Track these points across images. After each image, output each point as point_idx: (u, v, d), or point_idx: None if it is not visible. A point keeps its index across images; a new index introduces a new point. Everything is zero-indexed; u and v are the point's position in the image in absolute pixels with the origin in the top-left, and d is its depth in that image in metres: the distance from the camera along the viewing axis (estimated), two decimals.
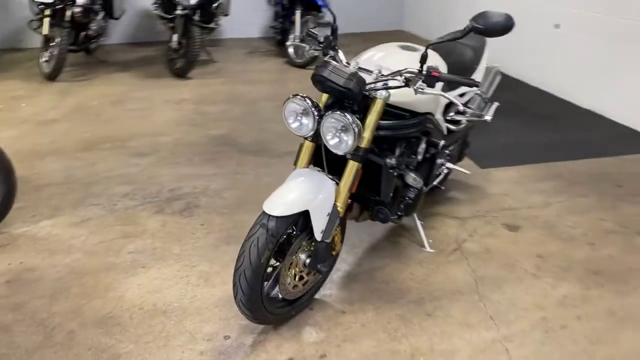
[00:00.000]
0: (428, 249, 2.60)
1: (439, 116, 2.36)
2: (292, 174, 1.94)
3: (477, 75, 2.74)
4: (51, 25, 5.64)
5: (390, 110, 2.01)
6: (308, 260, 1.96)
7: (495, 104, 2.79)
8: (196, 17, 5.81)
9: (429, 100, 2.10)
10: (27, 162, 3.63)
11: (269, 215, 1.78)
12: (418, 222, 2.65)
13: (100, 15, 6.40)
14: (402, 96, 1.96)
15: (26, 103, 5.00)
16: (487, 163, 3.58)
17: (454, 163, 2.86)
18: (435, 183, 2.73)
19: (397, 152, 2.10)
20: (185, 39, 5.78)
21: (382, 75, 1.88)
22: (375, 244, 2.65)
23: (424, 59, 1.86)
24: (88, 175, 3.46)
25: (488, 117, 2.77)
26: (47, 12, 5.62)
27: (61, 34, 5.60)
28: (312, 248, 1.95)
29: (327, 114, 1.79)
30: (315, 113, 1.80)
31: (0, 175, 2.66)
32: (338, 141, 1.81)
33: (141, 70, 6.22)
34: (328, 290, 2.29)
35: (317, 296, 2.23)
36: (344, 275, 2.40)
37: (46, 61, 5.72)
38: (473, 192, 3.20)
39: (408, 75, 1.87)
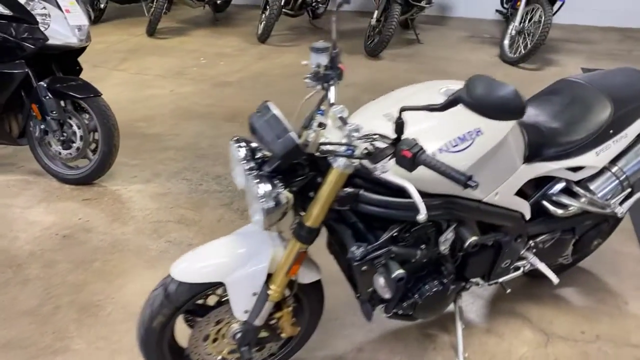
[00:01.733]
0: None
1: (498, 198, 1.59)
2: (240, 229, 1.56)
3: (614, 147, 1.77)
4: None
5: None
6: (238, 335, 1.58)
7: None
8: None
9: (441, 180, 1.41)
10: (174, 122, 3.92)
11: (172, 277, 1.46)
12: (458, 324, 1.93)
13: None
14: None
15: (225, 62, 5.42)
16: None
17: (554, 261, 1.99)
18: (500, 280, 1.93)
19: (384, 237, 1.48)
20: (384, 16, 5.42)
21: (351, 136, 1.29)
22: (391, 330, 2.04)
23: (399, 127, 1.22)
24: (209, 146, 3.55)
25: (620, 211, 1.81)
26: None
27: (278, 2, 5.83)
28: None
29: (252, 172, 1.32)
30: (246, 167, 1.35)
31: (103, 134, 2.88)
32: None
33: (342, 43, 6.10)
34: None
35: None
36: None
37: (261, 23, 6.07)
38: (595, 297, 2.21)
39: (374, 145, 1.27)
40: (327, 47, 1.44)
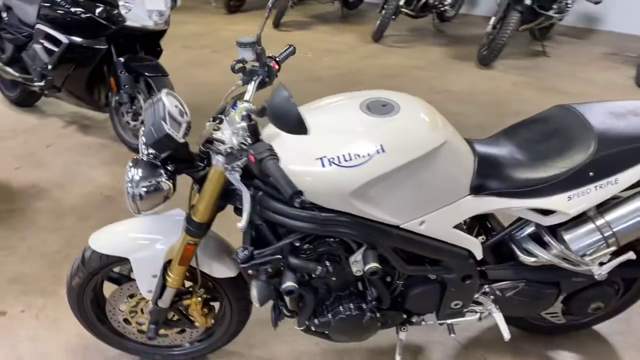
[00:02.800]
0: None
1: (425, 227, 1.40)
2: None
3: (595, 194, 1.43)
4: None
5: None
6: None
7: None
8: (527, 1, 4.90)
9: (331, 194, 1.28)
10: None
11: (89, 245, 1.57)
12: (397, 358, 1.75)
13: None
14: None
15: (329, 58, 5.50)
16: None
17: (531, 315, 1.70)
18: (451, 322, 1.69)
19: (276, 245, 1.39)
20: (500, 23, 5.03)
21: (239, 135, 1.25)
22: (338, 348, 1.91)
23: (251, 129, 1.15)
24: None
25: (597, 272, 1.49)
26: None
27: None
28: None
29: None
30: (145, 152, 1.37)
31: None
32: None
33: (458, 47, 5.80)
34: None
35: None
36: None
37: (377, 22, 6.03)
38: None
39: (229, 145, 1.21)
40: (251, 42, 1.40)
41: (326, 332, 1.60)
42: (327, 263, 1.43)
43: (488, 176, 1.43)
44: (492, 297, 1.63)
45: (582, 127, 1.45)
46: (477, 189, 1.42)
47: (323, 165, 1.26)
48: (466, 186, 1.41)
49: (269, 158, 1.12)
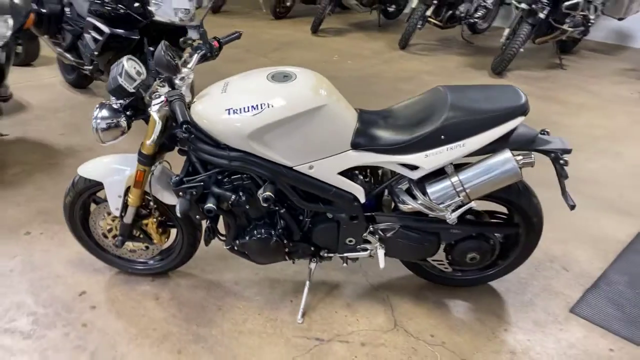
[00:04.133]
0: (299, 317, 2.15)
1: (314, 171, 1.85)
2: None
3: (448, 154, 1.83)
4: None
5: None
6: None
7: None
8: (540, 15, 5.14)
9: (234, 136, 1.77)
10: None
11: (77, 171, 2.12)
12: (307, 283, 2.19)
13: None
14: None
15: (353, 61, 5.96)
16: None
17: (415, 258, 2.13)
18: (349, 256, 2.11)
19: (200, 176, 1.88)
20: (512, 34, 5.30)
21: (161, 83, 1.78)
22: (266, 277, 2.35)
23: (168, 82, 1.67)
24: None
25: (449, 217, 1.87)
26: None
27: (419, 7, 6.13)
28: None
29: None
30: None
31: None
32: None
33: (475, 58, 6.09)
34: None
35: None
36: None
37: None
38: (477, 316, 2.17)
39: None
40: (196, 25, 1.92)
41: (245, 252, 2.07)
42: (241, 194, 1.91)
43: (366, 136, 1.85)
44: (377, 236, 2.03)
45: (442, 102, 1.84)
46: (356, 145, 1.85)
47: (229, 114, 1.75)
48: (347, 142, 1.84)
49: (176, 99, 1.62)
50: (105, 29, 3.78)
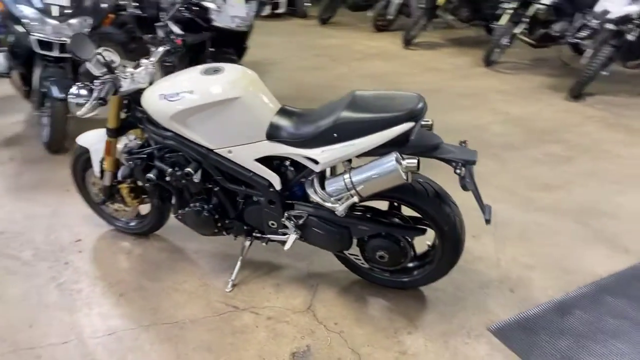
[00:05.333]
0: (229, 286, 2.41)
1: (232, 155, 2.12)
2: None
3: (340, 151, 1.97)
4: (511, 17, 6.07)
5: None
6: None
7: None
8: (629, 36, 4.75)
9: (165, 117, 2.11)
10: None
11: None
12: (240, 258, 2.44)
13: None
14: None
15: (428, 75, 6.00)
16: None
17: (327, 248, 2.29)
18: (271, 238, 2.31)
19: (144, 150, 2.26)
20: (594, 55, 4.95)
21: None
22: (220, 252, 2.62)
23: (107, 66, 2.07)
24: None
25: (337, 209, 2.01)
26: (512, 4, 6.06)
27: (507, 24, 5.97)
28: None
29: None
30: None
31: None
32: None
33: (558, 79, 5.74)
34: None
35: None
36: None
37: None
38: (390, 315, 2.22)
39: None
40: (162, 25, 2.31)
41: (186, 221, 2.40)
42: (176, 169, 2.24)
43: (279, 129, 2.07)
44: (292, 222, 2.22)
45: (343, 103, 1.99)
46: (270, 137, 2.08)
47: (160, 99, 2.10)
48: (262, 133, 2.08)
49: (106, 81, 2.02)
50: (178, 31, 4.40)
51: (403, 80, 5.70)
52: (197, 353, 2.07)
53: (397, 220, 2.20)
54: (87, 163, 2.69)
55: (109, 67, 2.15)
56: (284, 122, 2.08)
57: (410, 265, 2.34)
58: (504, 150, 3.92)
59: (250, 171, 2.15)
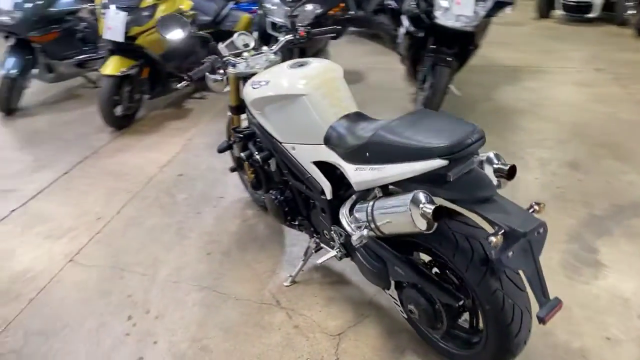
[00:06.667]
0: (288, 282, 2.38)
1: (295, 153, 2.05)
2: None
3: (370, 174, 1.70)
4: None
5: None
6: None
7: None
8: None
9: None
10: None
11: None
12: (302, 258, 2.34)
13: None
14: None
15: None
16: None
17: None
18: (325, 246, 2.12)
19: (244, 131, 2.38)
20: None
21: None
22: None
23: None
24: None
25: (353, 236, 1.75)
26: None
27: None
28: None
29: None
30: None
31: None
32: None
33: None
34: None
35: None
36: None
37: None
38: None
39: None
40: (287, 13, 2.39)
41: (265, 204, 2.46)
42: (257, 153, 2.30)
43: (335, 136, 1.91)
44: (337, 237, 2.04)
45: (396, 119, 1.70)
46: (327, 141, 1.95)
47: (249, 85, 2.19)
48: (321, 136, 1.96)
49: (227, 66, 2.20)
50: (406, 24, 4.37)
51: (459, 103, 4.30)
52: (215, 328, 2.16)
53: (433, 275, 1.78)
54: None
55: (236, 50, 2.32)
56: (341, 128, 1.91)
57: (464, 335, 1.88)
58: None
59: (308, 173, 2.06)
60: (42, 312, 2.28)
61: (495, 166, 1.61)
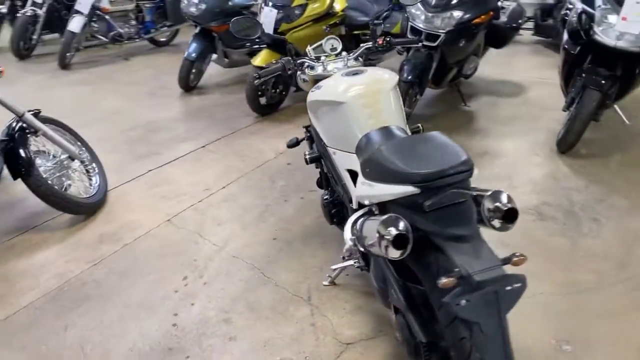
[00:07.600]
0: (326, 281, 2.42)
1: (336, 157, 2.07)
2: None
3: (367, 189, 1.57)
4: None
5: None
6: None
7: None
8: None
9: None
10: None
11: None
12: (342, 258, 2.35)
13: None
14: None
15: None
16: None
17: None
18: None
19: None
20: None
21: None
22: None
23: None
24: None
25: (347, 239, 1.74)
26: None
27: None
28: None
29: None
30: None
31: None
32: None
33: None
34: None
35: None
36: None
37: None
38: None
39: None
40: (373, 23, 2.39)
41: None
42: (311, 155, 2.38)
43: (362, 146, 1.91)
44: (357, 247, 2.03)
45: (393, 142, 1.64)
46: (357, 151, 1.96)
47: (312, 90, 2.27)
48: (354, 145, 1.97)
49: (299, 68, 2.33)
50: (564, 37, 3.91)
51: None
52: (244, 305, 2.33)
53: (421, 307, 1.67)
54: None
55: (323, 53, 2.42)
56: (367, 140, 1.90)
57: None
58: None
59: (343, 179, 2.09)
60: (128, 256, 2.73)
61: (494, 205, 1.45)
